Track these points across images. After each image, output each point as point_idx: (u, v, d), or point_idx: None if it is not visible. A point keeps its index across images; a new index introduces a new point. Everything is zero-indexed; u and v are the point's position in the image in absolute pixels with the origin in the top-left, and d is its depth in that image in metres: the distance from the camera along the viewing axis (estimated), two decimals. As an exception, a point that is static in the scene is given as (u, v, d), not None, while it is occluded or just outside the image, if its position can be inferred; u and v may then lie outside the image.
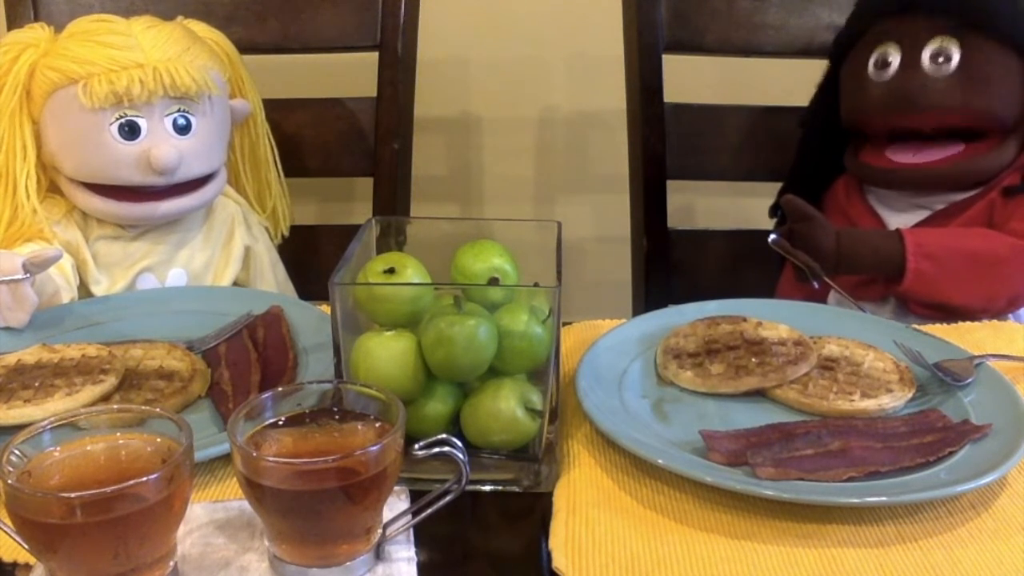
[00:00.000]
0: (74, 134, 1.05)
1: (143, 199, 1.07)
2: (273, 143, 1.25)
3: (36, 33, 1.08)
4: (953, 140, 1.13)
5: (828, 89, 1.24)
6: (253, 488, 0.61)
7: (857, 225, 1.19)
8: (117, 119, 1.04)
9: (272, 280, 1.21)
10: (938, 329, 0.98)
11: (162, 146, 1.04)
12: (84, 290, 1.08)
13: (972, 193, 1.14)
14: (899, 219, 1.16)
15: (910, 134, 1.15)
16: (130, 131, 1.04)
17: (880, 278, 1.12)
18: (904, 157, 1.15)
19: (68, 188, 1.08)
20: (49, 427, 0.62)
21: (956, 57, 1.10)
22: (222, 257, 1.16)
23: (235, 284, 1.18)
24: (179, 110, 1.06)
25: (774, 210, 1.26)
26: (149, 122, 1.05)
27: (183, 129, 1.07)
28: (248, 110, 1.19)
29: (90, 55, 1.03)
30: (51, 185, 1.11)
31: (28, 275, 0.92)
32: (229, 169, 1.21)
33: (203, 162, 1.09)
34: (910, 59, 1.12)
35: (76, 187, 1.07)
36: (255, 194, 1.24)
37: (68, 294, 1.04)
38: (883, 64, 1.13)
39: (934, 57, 1.10)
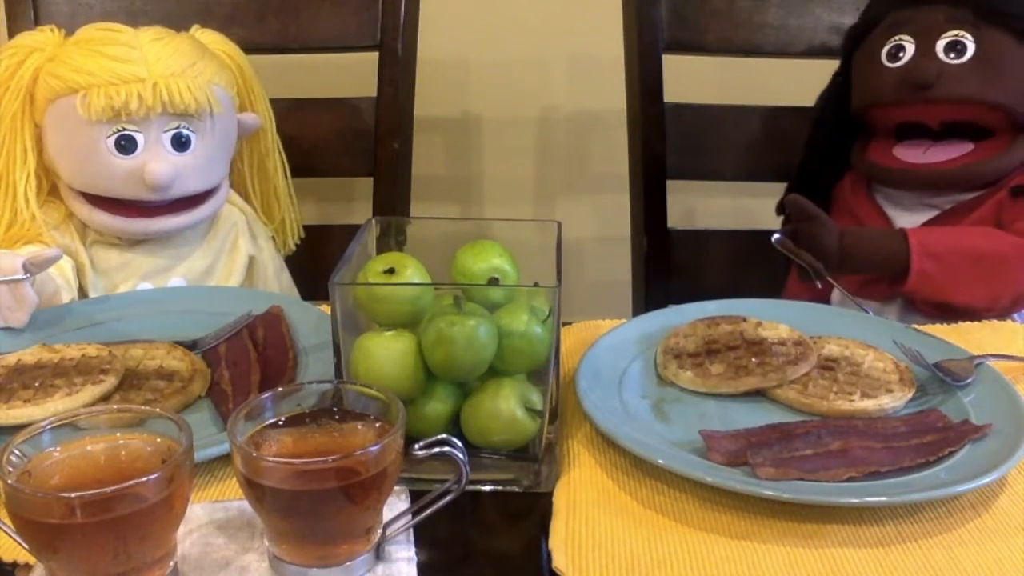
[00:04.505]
0: (72, 143, 1.05)
1: (137, 214, 1.07)
2: (284, 157, 1.24)
3: (44, 37, 1.08)
4: (962, 139, 1.13)
5: (840, 81, 1.24)
6: (253, 488, 0.61)
7: (864, 223, 1.19)
8: (114, 132, 1.03)
9: (276, 288, 1.20)
10: (938, 329, 0.98)
11: (157, 162, 1.03)
12: (82, 295, 1.08)
13: (980, 193, 1.14)
14: (906, 218, 1.16)
15: (919, 130, 1.15)
16: (127, 145, 1.04)
17: (884, 278, 1.12)
18: (912, 156, 1.14)
19: (66, 195, 1.08)
20: (49, 427, 0.62)
21: (971, 49, 1.10)
22: (225, 267, 1.15)
23: None
24: (178, 127, 1.06)
25: (781, 208, 1.26)
26: (147, 137, 1.04)
27: (182, 146, 1.06)
28: (257, 124, 1.18)
29: (92, 66, 1.03)
30: (52, 188, 1.10)
31: (28, 275, 0.92)
32: (237, 180, 1.21)
33: (200, 179, 1.08)
34: (924, 49, 1.11)
35: (73, 195, 1.07)
36: (263, 205, 1.24)
37: (68, 294, 1.04)
38: (897, 54, 1.13)
39: (949, 48, 1.10)
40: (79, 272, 1.08)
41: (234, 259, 1.16)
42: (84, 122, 1.03)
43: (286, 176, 1.25)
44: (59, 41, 1.08)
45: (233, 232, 1.17)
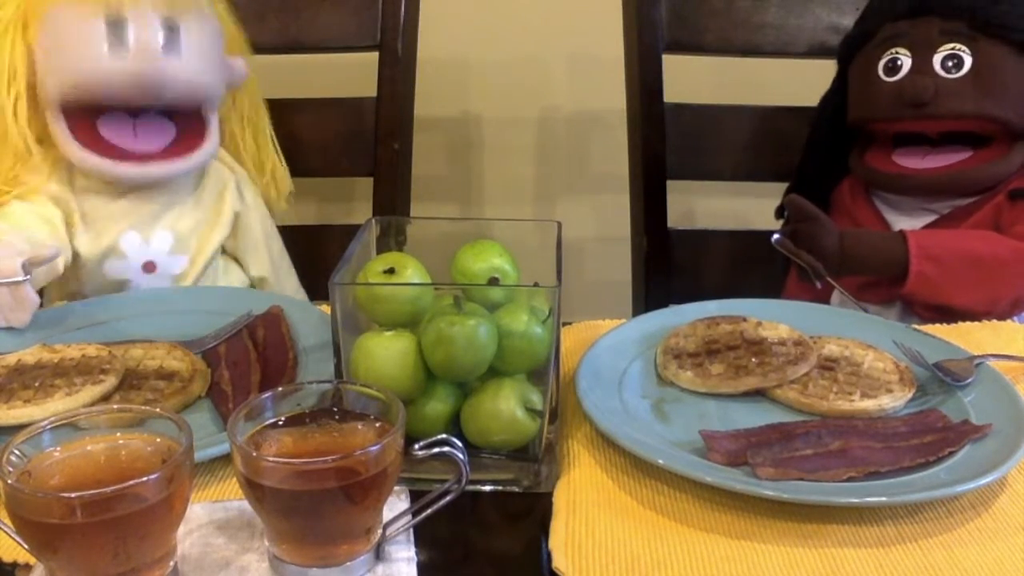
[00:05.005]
0: (64, 45, 1.04)
1: (129, 158, 1.07)
2: (265, 106, 1.24)
3: None
4: (960, 145, 1.13)
5: (837, 89, 1.24)
6: (253, 488, 0.61)
7: (862, 227, 1.19)
8: (105, 23, 1.03)
9: (265, 253, 1.20)
10: (938, 329, 0.98)
11: (147, 54, 1.04)
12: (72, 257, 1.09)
13: (978, 197, 1.14)
14: (905, 223, 1.16)
15: (917, 138, 1.14)
16: (118, 33, 1.03)
17: (884, 280, 1.11)
18: (911, 162, 1.14)
19: (58, 136, 1.07)
20: (49, 427, 0.62)
21: (968, 63, 1.09)
22: (210, 222, 1.15)
23: (224, 252, 1.18)
24: (168, 20, 1.06)
25: (780, 211, 1.25)
26: (136, 25, 1.04)
27: (171, 35, 1.06)
28: (245, 71, 1.18)
29: None
30: (42, 135, 1.10)
31: (27, 276, 0.92)
32: (227, 135, 1.21)
33: (191, 80, 1.08)
34: (921, 63, 1.11)
35: (65, 137, 1.06)
36: (254, 158, 1.23)
37: (61, 257, 1.04)
38: (893, 67, 1.13)
39: (945, 62, 1.09)
40: (67, 221, 1.08)
41: (220, 212, 1.16)
42: (76, 19, 1.03)
43: (268, 126, 1.25)
44: None
45: (219, 187, 1.17)
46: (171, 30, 1.06)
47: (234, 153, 1.22)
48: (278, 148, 1.26)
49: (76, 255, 1.09)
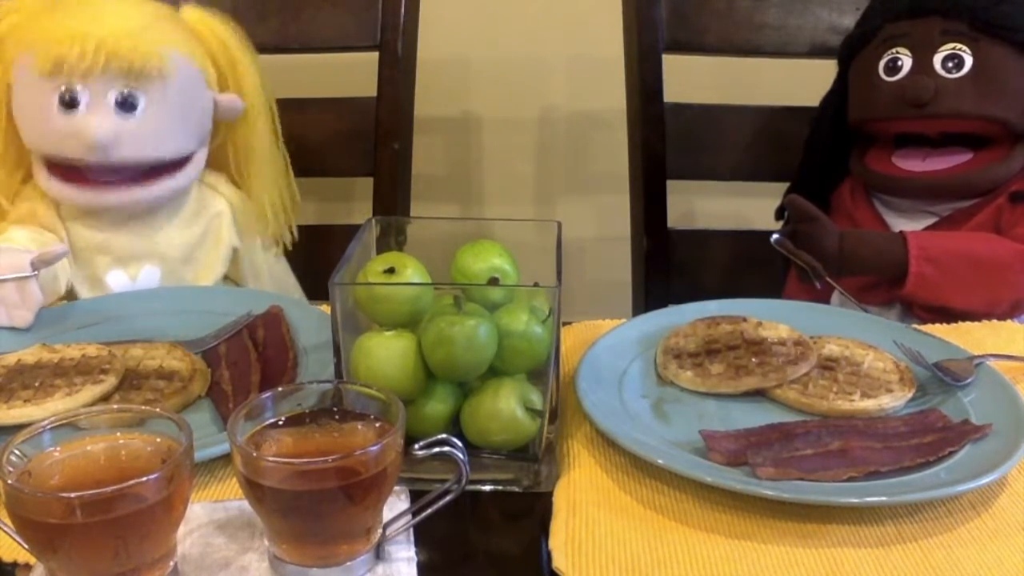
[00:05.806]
0: (26, 101, 1.04)
1: (91, 184, 1.05)
2: (281, 143, 1.21)
3: (23, 2, 1.07)
4: (961, 147, 1.13)
5: (838, 90, 1.24)
6: (253, 488, 0.61)
7: (862, 229, 1.19)
8: (60, 90, 1.01)
9: (267, 279, 1.18)
10: (938, 329, 0.98)
11: (95, 122, 1.01)
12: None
13: (979, 199, 1.14)
14: (905, 225, 1.15)
15: (918, 139, 1.14)
16: (70, 102, 1.01)
17: (883, 281, 1.11)
18: (911, 164, 1.14)
19: (32, 164, 1.07)
20: (49, 427, 0.62)
21: (969, 63, 1.09)
22: (207, 256, 1.13)
23: (226, 278, 1.16)
24: (125, 88, 1.02)
25: (780, 212, 1.25)
26: (91, 96, 1.02)
27: (128, 108, 1.03)
28: (238, 107, 1.13)
29: (48, 24, 1.02)
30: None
31: (35, 272, 0.92)
32: (228, 164, 1.19)
33: (147, 146, 1.04)
34: (921, 63, 1.11)
35: (36, 164, 1.06)
36: (251, 193, 1.20)
37: (64, 276, 1.04)
38: (893, 67, 1.13)
39: (946, 62, 1.09)
40: None
41: (216, 248, 1.13)
42: (35, 78, 1.02)
43: (287, 169, 1.21)
44: (39, 7, 1.06)
45: (216, 221, 1.14)
46: (128, 96, 1.03)
47: (236, 182, 1.19)
48: (295, 196, 1.22)
49: (71, 289, 1.07)
